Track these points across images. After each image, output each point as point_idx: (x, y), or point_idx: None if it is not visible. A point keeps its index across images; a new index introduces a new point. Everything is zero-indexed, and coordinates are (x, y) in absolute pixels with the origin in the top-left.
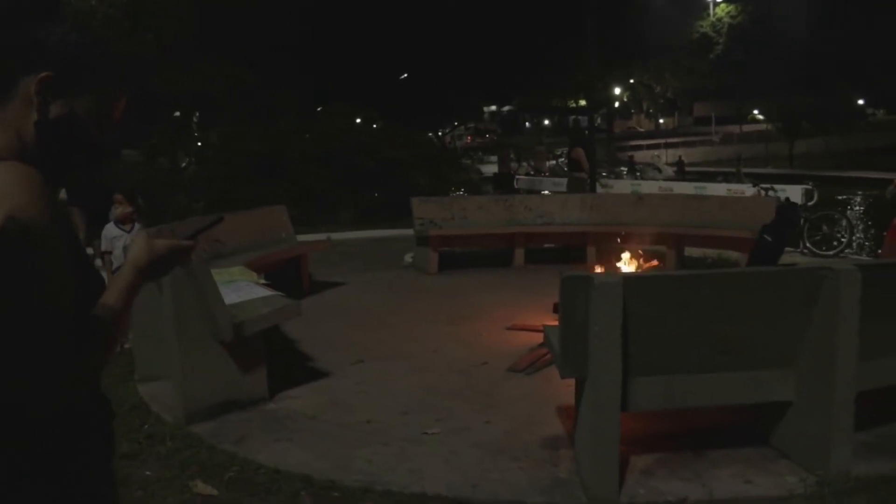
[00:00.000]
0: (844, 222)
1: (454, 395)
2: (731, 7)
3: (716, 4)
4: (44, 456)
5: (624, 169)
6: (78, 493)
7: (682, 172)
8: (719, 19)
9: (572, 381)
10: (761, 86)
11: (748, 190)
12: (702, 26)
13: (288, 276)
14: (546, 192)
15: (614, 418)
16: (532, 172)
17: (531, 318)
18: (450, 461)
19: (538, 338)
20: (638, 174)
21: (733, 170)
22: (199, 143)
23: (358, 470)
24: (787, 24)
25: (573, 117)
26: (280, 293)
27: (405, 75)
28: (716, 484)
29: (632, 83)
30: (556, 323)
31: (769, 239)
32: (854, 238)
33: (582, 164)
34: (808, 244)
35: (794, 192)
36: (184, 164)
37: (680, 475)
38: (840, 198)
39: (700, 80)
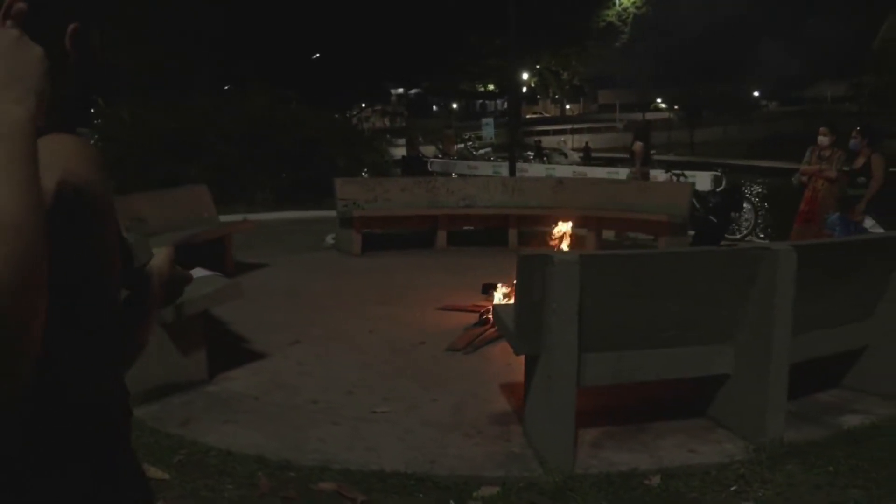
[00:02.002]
0: (750, 207)
1: (397, 375)
2: None
3: None
4: (88, 442)
5: (530, 154)
6: (122, 478)
7: (588, 158)
8: (625, 9)
9: (511, 360)
10: (663, 75)
11: (660, 175)
12: (608, 15)
13: (209, 257)
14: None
15: (570, 393)
16: (440, 156)
17: (460, 298)
18: (404, 439)
19: (471, 318)
20: (545, 159)
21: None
22: (98, 120)
23: (312, 449)
24: (689, 16)
25: (642, 115)
26: (218, 274)
27: (317, 55)
28: (662, 454)
29: (539, 69)
30: (486, 303)
31: (714, 220)
32: (759, 222)
33: (635, 159)
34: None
35: (704, 179)
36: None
37: (628, 447)
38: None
39: (605, 68)
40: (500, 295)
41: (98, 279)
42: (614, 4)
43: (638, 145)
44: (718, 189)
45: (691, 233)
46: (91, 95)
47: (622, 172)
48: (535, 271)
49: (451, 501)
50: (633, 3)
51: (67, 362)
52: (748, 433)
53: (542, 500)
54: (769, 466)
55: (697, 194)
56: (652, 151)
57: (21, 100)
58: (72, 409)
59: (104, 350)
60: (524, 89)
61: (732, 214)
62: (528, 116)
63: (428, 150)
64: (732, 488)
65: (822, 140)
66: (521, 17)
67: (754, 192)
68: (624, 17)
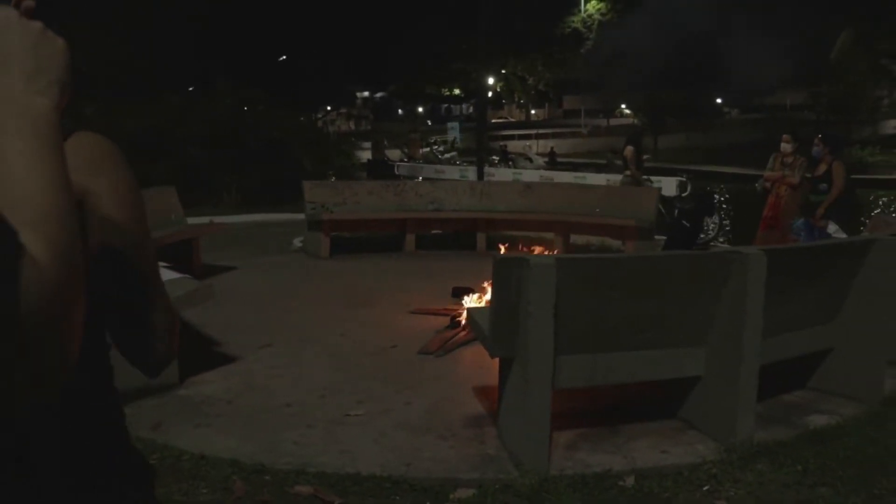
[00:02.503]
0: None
1: (370, 378)
2: (602, 4)
3: (587, 1)
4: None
5: (496, 158)
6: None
7: (553, 163)
8: (590, 15)
9: (483, 363)
10: (627, 81)
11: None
12: (573, 21)
13: (176, 259)
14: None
15: (545, 395)
16: (406, 160)
17: (431, 302)
18: (379, 441)
19: (442, 321)
20: (511, 163)
21: (604, 161)
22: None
23: (287, 453)
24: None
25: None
26: (188, 276)
27: (283, 57)
28: (636, 455)
29: (504, 73)
30: (458, 307)
31: (687, 224)
32: (724, 227)
33: (628, 164)
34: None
35: (669, 184)
36: None
37: (602, 448)
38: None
39: (571, 73)
40: (471, 299)
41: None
42: (579, 11)
43: (629, 150)
44: (684, 194)
45: (660, 238)
46: None
47: (589, 177)
48: (510, 274)
49: (429, 503)
50: (598, 9)
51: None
52: (719, 434)
53: (519, 501)
54: (740, 466)
55: (663, 199)
56: (645, 157)
57: (45, 91)
58: (87, 409)
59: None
60: (489, 94)
61: (705, 219)
62: (493, 121)
63: (393, 153)
64: (705, 488)
65: (785, 147)
66: (488, 21)
67: (718, 198)
68: (589, 23)
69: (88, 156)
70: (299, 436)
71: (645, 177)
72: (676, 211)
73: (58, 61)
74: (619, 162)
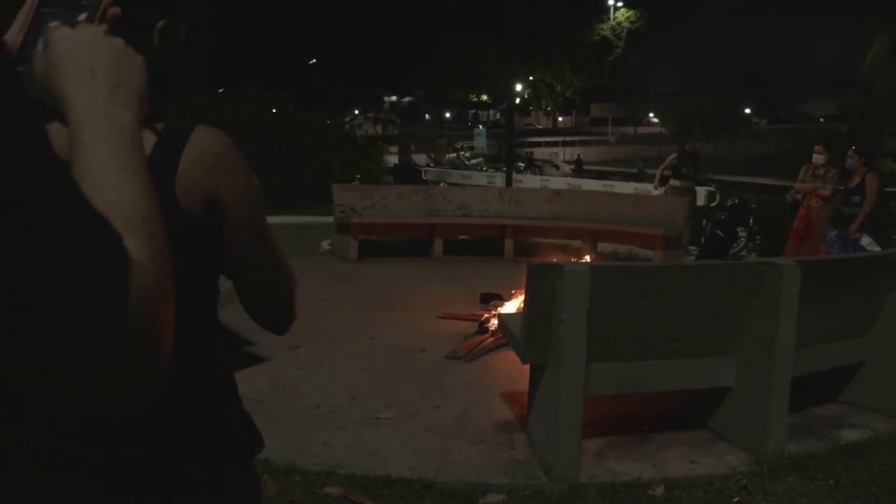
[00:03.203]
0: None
1: (399, 381)
2: (631, 12)
3: (616, 9)
4: None
5: (521, 165)
6: None
7: (580, 171)
8: (619, 23)
9: (511, 369)
10: (656, 90)
11: (654, 190)
12: (602, 29)
13: None
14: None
15: (577, 402)
16: (432, 165)
17: (458, 307)
18: (408, 445)
19: (470, 326)
20: (537, 170)
21: (635, 170)
22: None
23: (317, 454)
24: (683, 32)
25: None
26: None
27: (314, 60)
28: (665, 465)
29: (532, 80)
30: (485, 313)
31: (721, 234)
32: (755, 239)
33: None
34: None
35: (699, 194)
36: None
37: (632, 457)
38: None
39: (599, 81)
40: (501, 305)
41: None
42: (609, 19)
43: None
44: (713, 204)
45: (693, 248)
46: (173, 91)
47: (617, 185)
48: (544, 280)
49: None
50: (628, 17)
51: None
52: (750, 445)
53: None
54: (770, 478)
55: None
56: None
57: (126, 104)
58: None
59: None
60: (517, 101)
61: (739, 230)
62: (524, 126)
63: (420, 158)
64: (735, 499)
65: (818, 158)
66: (516, 27)
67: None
68: (618, 31)
69: (217, 154)
70: (329, 437)
71: (668, 173)
72: (704, 221)
73: (137, 76)
74: (668, 172)
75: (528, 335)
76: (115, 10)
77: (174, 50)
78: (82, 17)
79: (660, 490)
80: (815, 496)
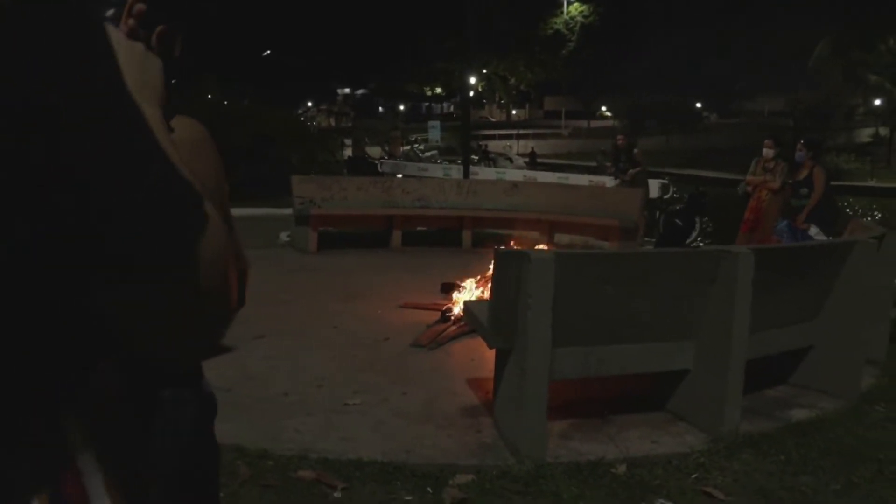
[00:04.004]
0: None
1: (365, 369)
2: (584, 7)
3: (569, 3)
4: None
5: (475, 157)
6: None
7: (533, 163)
8: (572, 17)
9: (474, 356)
10: (609, 84)
11: (609, 181)
12: (556, 23)
13: None
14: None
15: (543, 386)
16: (386, 157)
17: (419, 297)
18: (378, 429)
19: (431, 315)
20: (491, 163)
21: (594, 163)
22: None
23: (289, 439)
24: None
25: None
26: None
27: (268, 52)
28: (627, 445)
29: (486, 73)
30: (446, 302)
31: (680, 223)
32: (705, 229)
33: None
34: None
35: (652, 187)
36: None
37: (595, 438)
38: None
39: (552, 75)
40: (462, 294)
41: None
42: (562, 13)
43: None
44: (665, 196)
45: (648, 240)
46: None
47: (572, 178)
48: (511, 268)
49: (429, 488)
50: (581, 12)
51: None
52: (706, 425)
53: (516, 486)
54: (726, 456)
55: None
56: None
57: (150, 100)
58: None
59: None
60: (471, 93)
61: (696, 219)
62: (475, 120)
63: (374, 151)
64: (693, 476)
65: (767, 152)
66: (475, 24)
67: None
68: (571, 25)
69: (193, 142)
70: (299, 423)
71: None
72: (658, 212)
73: (158, 77)
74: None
75: (494, 321)
76: (140, 6)
77: (169, 57)
78: (110, 12)
79: (622, 468)
80: (767, 471)
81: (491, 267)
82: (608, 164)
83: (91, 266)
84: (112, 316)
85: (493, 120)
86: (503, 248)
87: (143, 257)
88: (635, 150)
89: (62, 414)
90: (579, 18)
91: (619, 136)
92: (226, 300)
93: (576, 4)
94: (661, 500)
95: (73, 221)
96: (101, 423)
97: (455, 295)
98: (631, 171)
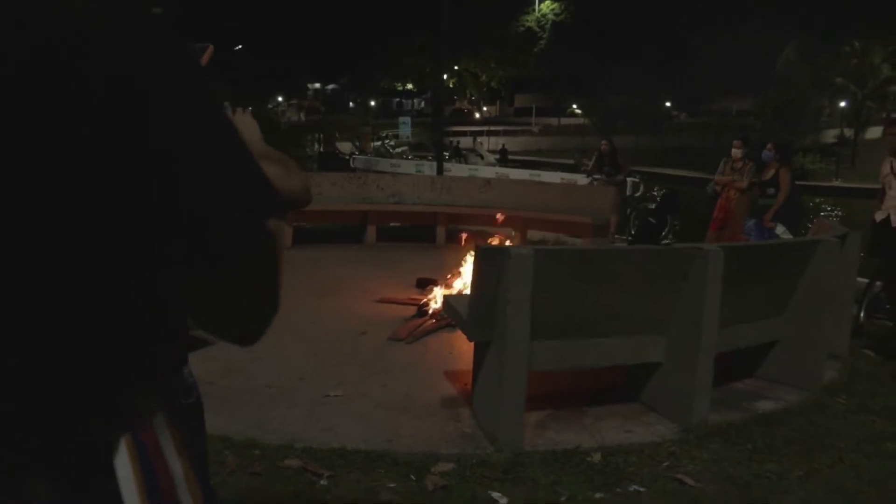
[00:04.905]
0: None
1: (344, 362)
2: (556, 5)
3: (541, 1)
4: None
5: (447, 154)
6: None
7: (504, 160)
8: (543, 15)
9: (452, 349)
10: (580, 81)
11: (581, 179)
12: (527, 20)
13: None
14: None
15: (521, 377)
16: (356, 153)
17: (394, 292)
18: (360, 420)
19: (407, 310)
20: (462, 160)
21: (571, 161)
22: None
23: (274, 430)
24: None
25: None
26: None
27: (239, 46)
28: (602, 434)
29: (457, 69)
30: (422, 297)
31: (653, 221)
32: (675, 227)
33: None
34: (633, 231)
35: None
36: None
37: (570, 428)
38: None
39: (523, 72)
40: (437, 289)
41: None
42: (533, 10)
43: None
44: (637, 194)
45: (620, 237)
46: None
47: (544, 175)
48: (491, 263)
49: (412, 476)
50: (552, 10)
51: None
52: (677, 416)
53: (496, 474)
54: (696, 445)
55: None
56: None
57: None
58: None
59: None
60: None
61: (668, 217)
62: (462, 110)
63: (344, 146)
64: (665, 464)
65: (736, 153)
66: (449, 22)
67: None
68: (542, 23)
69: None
70: (283, 414)
71: (598, 176)
72: (629, 209)
73: (258, 132)
74: (596, 175)
75: (474, 315)
76: (210, 49)
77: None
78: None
79: (597, 457)
80: (735, 459)
81: (463, 261)
82: (586, 161)
83: (172, 248)
84: (186, 298)
85: (466, 111)
86: (467, 247)
87: (222, 241)
88: (619, 156)
89: (140, 383)
90: (550, 16)
91: (603, 142)
92: (280, 283)
93: (547, 2)
94: (635, 487)
95: (161, 205)
96: (165, 395)
97: (431, 290)
98: (619, 176)
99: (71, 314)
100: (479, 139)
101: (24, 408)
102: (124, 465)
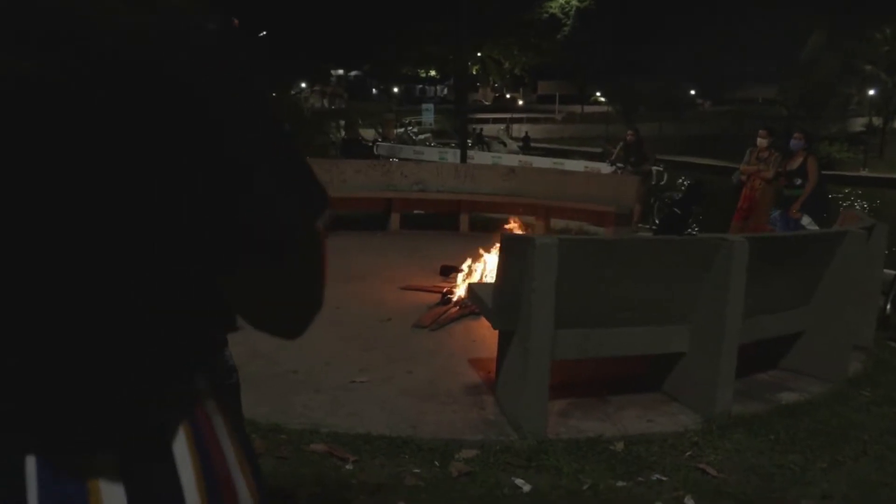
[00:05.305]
0: None
1: (370, 348)
2: None
3: None
4: None
5: (470, 141)
6: None
7: (527, 148)
8: (568, 1)
9: (475, 336)
10: (603, 69)
11: (604, 168)
12: (551, 7)
13: None
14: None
15: (545, 365)
16: (380, 140)
17: (418, 279)
18: (385, 406)
19: (431, 297)
20: (485, 146)
21: (599, 149)
22: None
23: (299, 414)
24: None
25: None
26: None
27: (264, 32)
28: (624, 423)
29: (480, 56)
30: (446, 284)
31: (678, 212)
32: (698, 217)
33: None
34: (657, 221)
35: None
36: None
37: (593, 416)
38: (681, 181)
39: (547, 59)
40: (460, 277)
41: None
42: None
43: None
44: (661, 183)
45: (643, 226)
46: None
47: (567, 164)
48: (516, 252)
49: (436, 462)
50: None
51: None
52: (700, 406)
53: (519, 461)
54: (719, 435)
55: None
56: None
57: None
58: None
59: None
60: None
61: (693, 207)
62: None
63: (367, 133)
64: (687, 453)
65: (761, 142)
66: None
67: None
68: (567, 9)
69: None
70: (308, 399)
71: (621, 165)
72: (653, 199)
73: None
74: (619, 164)
75: (499, 304)
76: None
77: None
78: None
79: (620, 445)
80: (757, 450)
81: (481, 249)
82: (613, 149)
83: (226, 245)
84: (238, 292)
85: (487, 103)
86: (491, 235)
87: (284, 242)
88: (644, 145)
89: (196, 371)
90: (575, 2)
91: (629, 132)
92: (325, 278)
93: None
94: (657, 476)
95: (227, 208)
96: (211, 376)
97: (455, 278)
98: (646, 166)
99: (129, 302)
100: (501, 126)
101: (81, 392)
102: (182, 450)
